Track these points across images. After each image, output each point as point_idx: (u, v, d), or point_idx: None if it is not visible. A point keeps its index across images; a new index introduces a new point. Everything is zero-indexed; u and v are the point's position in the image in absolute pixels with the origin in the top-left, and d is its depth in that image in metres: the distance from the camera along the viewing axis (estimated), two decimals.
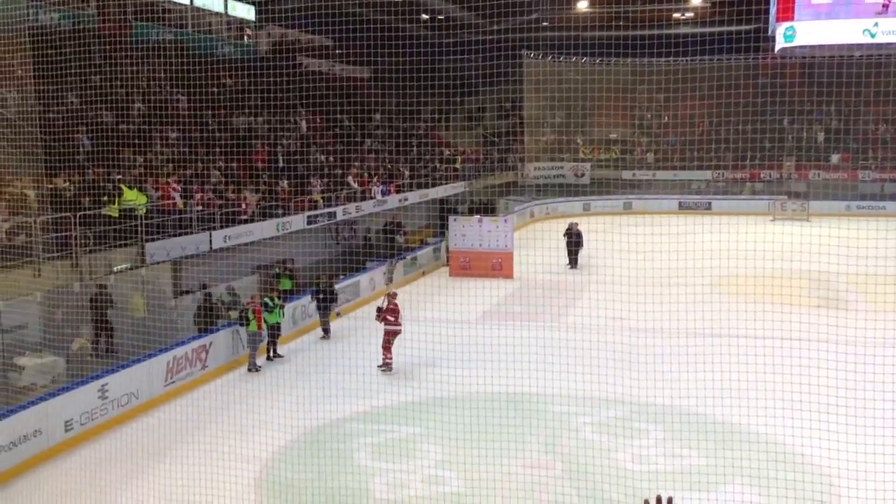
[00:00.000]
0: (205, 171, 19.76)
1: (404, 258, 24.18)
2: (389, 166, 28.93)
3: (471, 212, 30.58)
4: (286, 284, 18.82)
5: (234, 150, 21.19)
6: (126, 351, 13.80)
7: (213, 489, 9.57)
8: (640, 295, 13.78)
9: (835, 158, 41.25)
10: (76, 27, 19.93)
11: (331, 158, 26.40)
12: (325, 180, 23.62)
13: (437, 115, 36.40)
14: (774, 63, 40.27)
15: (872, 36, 34.64)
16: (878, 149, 41.01)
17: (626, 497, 9.55)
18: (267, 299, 15.81)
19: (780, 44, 37.18)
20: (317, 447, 11.55)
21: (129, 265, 15.14)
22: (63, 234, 13.73)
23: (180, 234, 16.33)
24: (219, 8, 29.14)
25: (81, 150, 16.95)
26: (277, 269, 19.37)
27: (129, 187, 15.51)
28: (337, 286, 18.70)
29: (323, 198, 22.46)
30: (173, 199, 17.14)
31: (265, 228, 19.14)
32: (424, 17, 35.84)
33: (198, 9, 28.12)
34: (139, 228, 15.02)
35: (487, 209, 32.24)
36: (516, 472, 10.57)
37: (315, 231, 21.83)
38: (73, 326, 13.61)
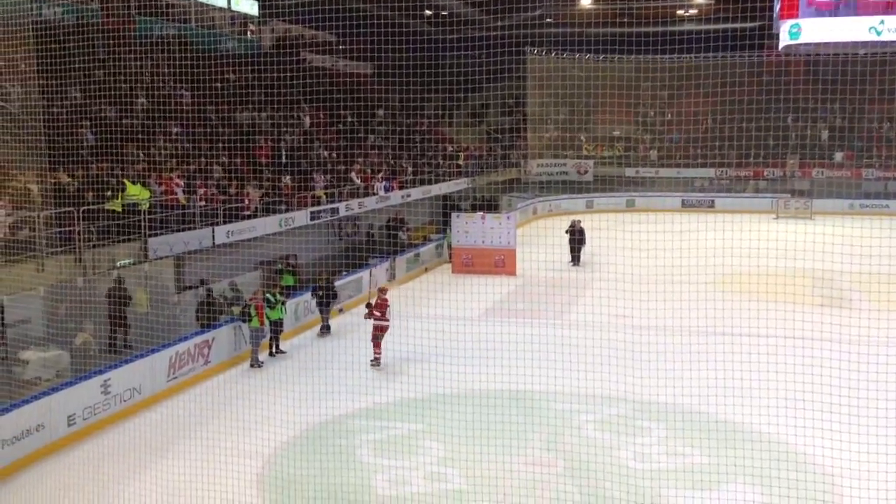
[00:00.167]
0: (208, 167, 19.76)
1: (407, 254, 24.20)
2: (392, 162, 28.90)
3: (474, 208, 30.59)
4: (289, 280, 18.82)
5: (238, 145, 21.19)
6: (130, 346, 13.82)
7: (216, 484, 9.60)
8: (642, 292, 13.75)
9: (839, 156, 41.18)
10: (80, 22, 19.93)
11: (334, 154, 26.38)
12: (329, 176, 23.61)
13: (440, 112, 36.33)
14: (778, 60, 40.16)
15: (878, 33, 34.54)
16: (882, 147, 40.87)
17: (628, 495, 9.56)
18: (269, 295, 15.80)
19: (784, 41, 37.15)
20: (319, 443, 11.59)
21: (132, 260, 15.16)
22: (66, 228, 13.76)
23: (183, 230, 16.35)
24: (222, 3, 29.09)
25: (85, 144, 16.95)
26: (280, 265, 19.38)
27: (133, 182, 15.55)
28: (338, 283, 18.69)
29: (326, 194, 22.45)
30: (176, 194, 17.14)
31: (268, 224, 19.15)
32: (428, 13, 35.77)
33: (201, 4, 28.12)
34: (142, 223, 15.04)
35: (490, 206, 32.21)
36: (518, 469, 10.57)
37: (318, 227, 21.83)
38: (76, 321, 13.62)
